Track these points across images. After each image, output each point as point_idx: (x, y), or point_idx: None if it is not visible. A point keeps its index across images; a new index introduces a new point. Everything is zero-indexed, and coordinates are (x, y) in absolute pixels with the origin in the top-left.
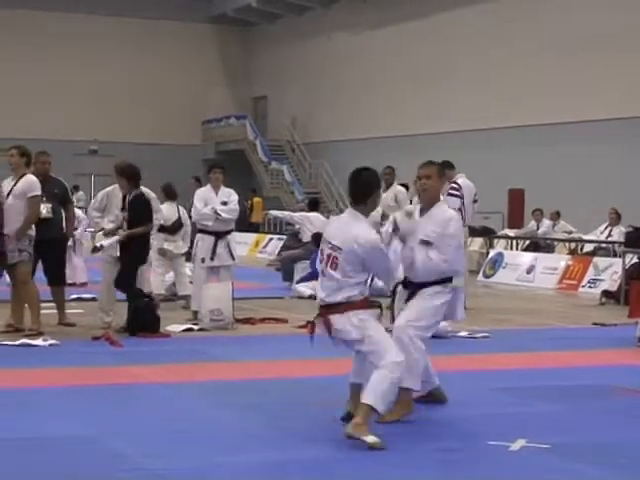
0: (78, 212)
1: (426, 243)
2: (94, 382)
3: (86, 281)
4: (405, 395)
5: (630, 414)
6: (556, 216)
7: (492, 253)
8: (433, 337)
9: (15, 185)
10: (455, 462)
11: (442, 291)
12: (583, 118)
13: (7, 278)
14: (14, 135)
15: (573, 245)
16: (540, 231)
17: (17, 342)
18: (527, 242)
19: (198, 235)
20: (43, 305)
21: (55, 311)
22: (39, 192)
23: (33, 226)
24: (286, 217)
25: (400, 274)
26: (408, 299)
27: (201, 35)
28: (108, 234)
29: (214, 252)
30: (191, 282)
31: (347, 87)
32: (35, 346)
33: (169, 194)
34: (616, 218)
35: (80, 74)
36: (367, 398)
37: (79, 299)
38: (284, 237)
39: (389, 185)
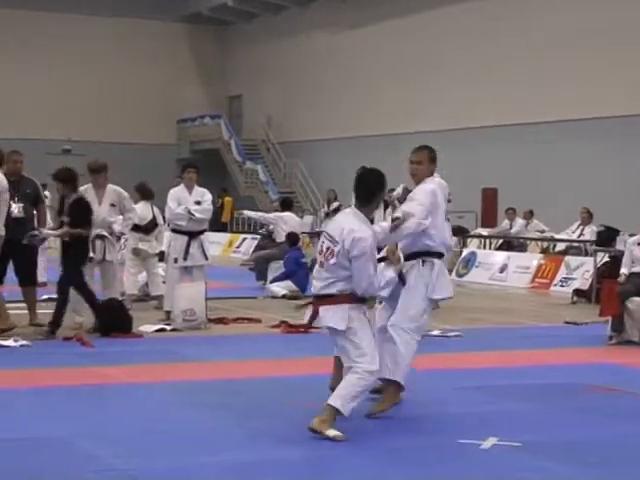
0: None
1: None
2: (65, 383)
3: (45, 281)
4: (393, 387)
5: (601, 412)
6: (529, 215)
7: (465, 252)
8: None
9: None
10: (426, 460)
11: (425, 272)
12: (555, 118)
13: None
14: None
15: (545, 244)
16: (513, 230)
17: None
18: (500, 241)
19: (171, 235)
20: (15, 305)
21: (26, 311)
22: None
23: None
24: (259, 218)
25: (381, 291)
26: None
27: (176, 34)
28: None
29: (187, 252)
30: (164, 282)
31: (324, 86)
32: (6, 347)
33: (144, 193)
34: (588, 217)
35: (53, 73)
36: (335, 401)
37: (50, 299)
38: (258, 237)
39: None
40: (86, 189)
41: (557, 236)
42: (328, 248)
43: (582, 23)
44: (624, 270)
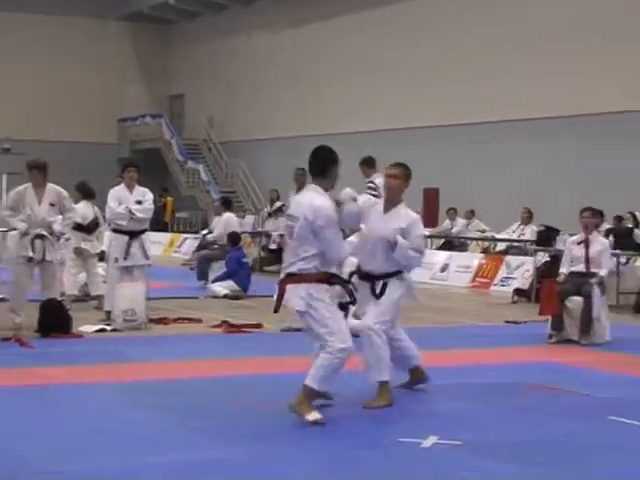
0: None
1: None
2: (6, 383)
3: None
4: (384, 387)
5: (541, 411)
6: (470, 215)
7: None
8: None
9: None
10: (367, 459)
11: (400, 284)
12: (495, 118)
13: None
14: None
15: (486, 244)
16: (454, 230)
17: None
18: (441, 241)
19: (112, 235)
20: None
21: None
22: None
23: None
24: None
25: (351, 262)
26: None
27: (117, 33)
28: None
29: (128, 252)
30: (104, 282)
31: (265, 86)
32: None
33: (85, 193)
34: (528, 217)
35: None
36: (310, 380)
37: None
38: (199, 236)
39: (301, 186)
40: (25, 188)
41: (498, 236)
42: (289, 227)
43: (524, 25)
44: (563, 269)
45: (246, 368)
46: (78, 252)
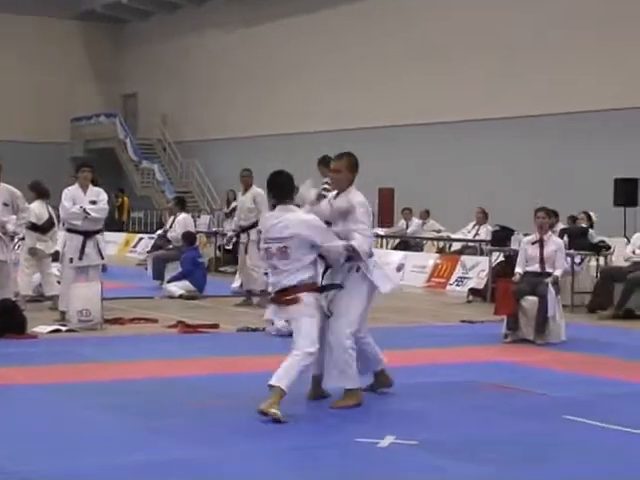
0: None
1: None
2: None
3: None
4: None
5: (497, 410)
6: (425, 215)
7: None
8: None
9: None
10: (323, 459)
11: (363, 279)
12: (452, 119)
13: None
14: None
15: (441, 244)
16: (409, 230)
17: None
18: (397, 241)
19: (66, 235)
20: None
21: None
22: None
23: None
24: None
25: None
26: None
27: (69, 31)
28: None
29: (82, 252)
30: (59, 282)
31: (220, 85)
32: None
33: (40, 192)
34: (483, 217)
35: None
36: (280, 381)
37: None
38: (154, 236)
39: (247, 187)
40: None
41: (453, 236)
42: (279, 248)
43: (478, 26)
44: (518, 269)
45: (202, 368)
46: (32, 252)
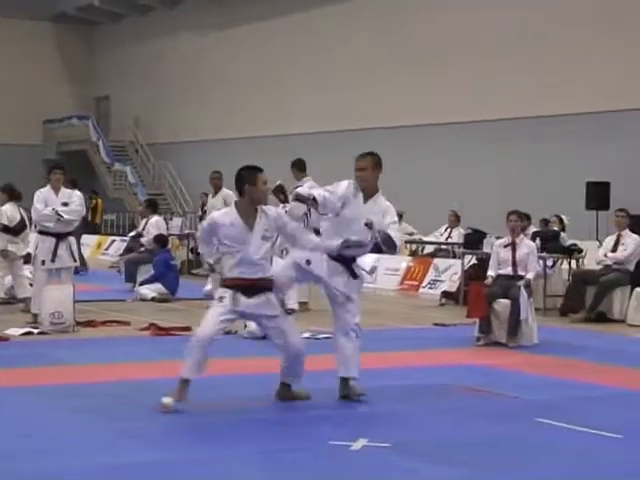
0: None
1: (368, 225)
2: None
3: None
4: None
5: (470, 413)
6: (398, 218)
7: None
8: None
9: None
10: (297, 462)
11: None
12: (424, 122)
13: None
14: None
15: (414, 246)
16: None
17: None
18: None
19: (38, 237)
20: None
21: None
22: None
23: None
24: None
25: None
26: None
27: (42, 34)
28: None
29: (55, 254)
30: (31, 284)
31: (195, 88)
32: None
33: (12, 195)
34: (455, 220)
35: None
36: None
37: None
38: (126, 239)
39: (218, 189)
40: None
41: (425, 238)
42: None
43: (436, 31)
44: (491, 272)
45: (174, 371)
46: (4, 254)
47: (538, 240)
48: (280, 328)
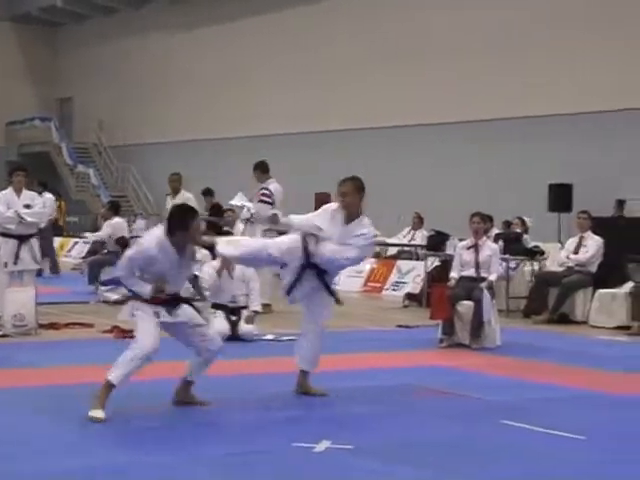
0: None
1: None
2: None
3: None
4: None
5: (433, 413)
6: None
7: None
8: (239, 340)
9: None
10: (258, 464)
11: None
12: (386, 124)
13: None
14: None
15: (377, 248)
16: None
17: None
18: None
19: (0, 239)
20: None
21: None
22: None
23: None
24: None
25: None
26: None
27: (4, 34)
28: None
29: (17, 256)
30: None
31: (161, 89)
32: None
33: None
34: (419, 222)
35: None
36: (108, 374)
37: None
38: (88, 241)
39: (177, 192)
40: None
41: (389, 240)
42: None
43: (416, 30)
44: (454, 274)
45: (138, 374)
46: None
47: (501, 242)
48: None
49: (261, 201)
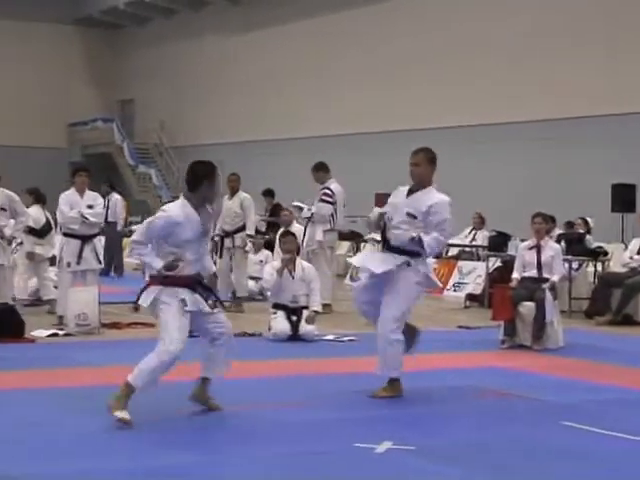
0: None
1: (411, 216)
2: None
3: None
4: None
5: (495, 415)
6: None
7: None
8: (300, 340)
9: None
10: (321, 464)
11: (415, 273)
12: (446, 124)
13: None
14: None
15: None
16: None
17: None
18: None
19: (63, 239)
20: None
21: None
22: None
23: None
24: None
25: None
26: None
27: (67, 37)
28: None
29: (80, 256)
30: (55, 287)
31: (217, 90)
32: None
33: (38, 197)
34: (480, 222)
35: None
36: (130, 376)
37: None
38: None
39: (234, 192)
40: None
41: (450, 241)
42: None
43: (478, 30)
44: (515, 275)
45: (199, 373)
46: (30, 256)
47: (563, 242)
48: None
49: (322, 200)
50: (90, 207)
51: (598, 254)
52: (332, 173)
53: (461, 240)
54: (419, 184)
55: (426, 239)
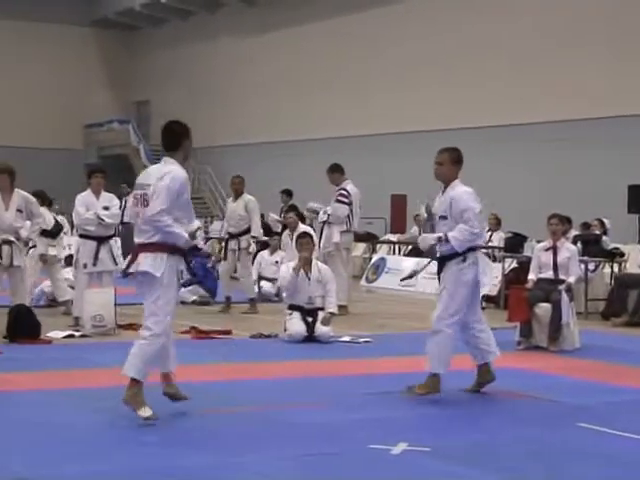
0: None
1: (443, 218)
2: None
3: None
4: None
5: (511, 416)
6: None
7: (375, 258)
8: (316, 341)
9: None
10: (336, 465)
11: (462, 269)
12: (464, 125)
13: None
14: None
15: None
16: None
17: None
18: (409, 247)
19: (79, 240)
20: None
21: None
22: None
23: None
24: None
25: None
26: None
27: (82, 38)
28: None
29: (96, 257)
30: (72, 287)
31: (233, 92)
32: None
33: (44, 199)
34: (496, 223)
35: None
36: (129, 371)
37: None
38: None
39: (239, 195)
40: None
41: None
42: (141, 195)
43: (495, 32)
44: (532, 276)
45: (216, 374)
46: (44, 258)
47: (579, 244)
48: None
49: (338, 201)
50: (106, 208)
51: (614, 255)
52: (347, 174)
53: None
54: (445, 184)
55: (450, 233)
